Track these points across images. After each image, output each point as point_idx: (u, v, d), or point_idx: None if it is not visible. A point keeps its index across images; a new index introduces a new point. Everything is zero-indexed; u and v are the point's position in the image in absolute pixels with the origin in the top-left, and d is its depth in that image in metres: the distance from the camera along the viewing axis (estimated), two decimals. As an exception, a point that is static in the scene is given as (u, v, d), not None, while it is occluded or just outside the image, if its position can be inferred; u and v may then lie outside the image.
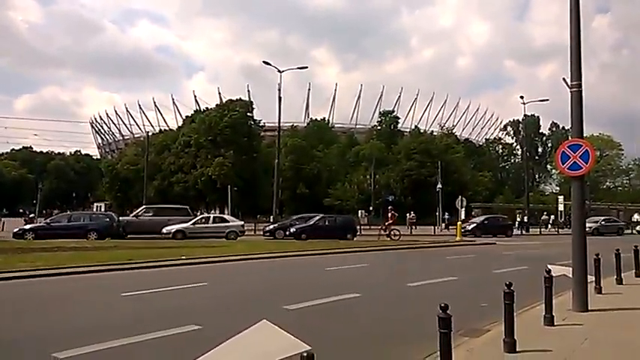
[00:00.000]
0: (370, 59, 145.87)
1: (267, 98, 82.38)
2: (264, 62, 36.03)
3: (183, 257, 16.50)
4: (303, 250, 20.30)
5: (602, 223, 39.71)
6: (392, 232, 29.19)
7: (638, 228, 44.74)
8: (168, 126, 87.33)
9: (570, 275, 9.23)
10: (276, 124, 37.68)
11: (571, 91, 9.06)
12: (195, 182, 64.31)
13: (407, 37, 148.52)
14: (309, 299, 9.49)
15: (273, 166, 38.12)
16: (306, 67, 41.31)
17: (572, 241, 9.14)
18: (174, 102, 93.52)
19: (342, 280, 13.03)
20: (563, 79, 9.17)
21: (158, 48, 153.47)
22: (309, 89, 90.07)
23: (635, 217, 51.84)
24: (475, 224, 35.80)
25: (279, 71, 35.18)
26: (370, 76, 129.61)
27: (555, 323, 7.55)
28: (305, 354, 3.24)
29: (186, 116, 76.35)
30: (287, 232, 28.63)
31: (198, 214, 39.87)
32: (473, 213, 46.02)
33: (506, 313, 6.31)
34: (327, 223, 29.47)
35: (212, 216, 33.08)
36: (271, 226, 31.26)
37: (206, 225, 28.76)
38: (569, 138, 9.70)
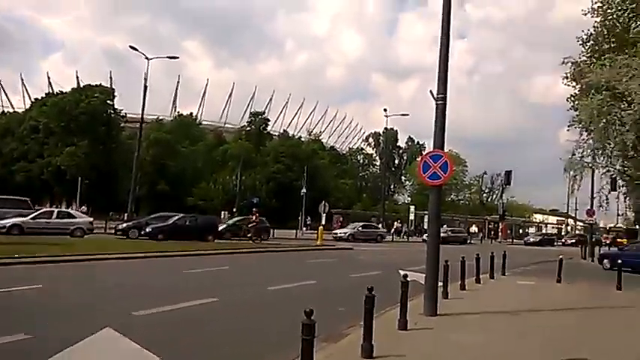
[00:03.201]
0: (244, 58, 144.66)
1: (131, 87, 77.84)
2: (130, 47, 33.55)
3: (17, 256, 14.50)
4: (158, 251, 19.06)
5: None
6: (255, 235, 28.87)
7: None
8: (13, 108, 77.84)
9: (422, 281, 9.67)
10: (140, 115, 35.28)
11: (436, 103, 9.51)
12: (40, 172, 58.00)
13: (282, 40, 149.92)
14: (162, 304, 8.75)
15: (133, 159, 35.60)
16: (177, 58, 39.19)
17: (427, 247, 9.57)
18: (23, 82, 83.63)
19: (199, 284, 12.37)
20: (430, 91, 9.61)
21: (7, 18, 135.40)
22: (178, 82, 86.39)
23: (473, 228, 57.68)
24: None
25: (146, 58, 33.00)
26: (243, 75, 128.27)
27: (408, 327, 7.76)
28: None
29: (36, 99, 68.60)
30: (142, 232, 26.71)
31: (49, 207, 35.83)
32: (341, 219, 47.87)
33: (366, 318, 6.28)
34: (187, 223, 28.13)
35: (56, 210, 29.74)
36: (124, 225, 28.98)
37: (48, 220, 25.74)
38: (423, 153, 10.17)
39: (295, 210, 49.95)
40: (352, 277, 14.90)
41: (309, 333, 4.60)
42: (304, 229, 46.19)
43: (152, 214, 32.33)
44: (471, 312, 9.67)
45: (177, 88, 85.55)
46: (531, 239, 52.27)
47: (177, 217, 28.57)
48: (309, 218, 47.93)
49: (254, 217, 29.98)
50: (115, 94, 62.60)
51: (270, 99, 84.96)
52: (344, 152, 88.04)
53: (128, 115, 63.12)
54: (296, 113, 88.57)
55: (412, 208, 54.15)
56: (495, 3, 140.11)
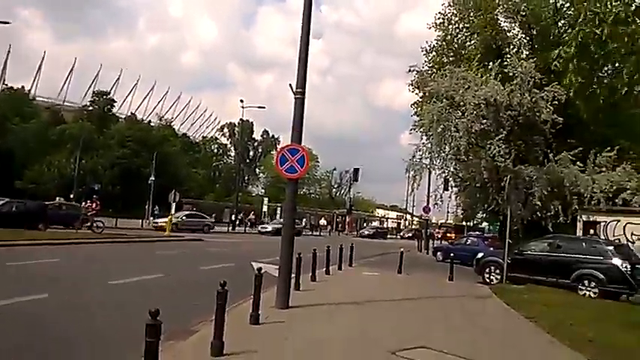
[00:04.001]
0: (90, 33, 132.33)
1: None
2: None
3: None
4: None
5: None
6: (95, 224, 26.56)
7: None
8: None
9: (275, 273, 9.63)
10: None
11: (295, 98, 9.51)
12: None
13: (134, 18, 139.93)
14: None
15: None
16: (9, 23, 34.43)
17: (282, 239, 9.55)
18: None
19: (27, 278, 10.96)
20: (290, 84, 9.57)
21: None
22: (9, 51, 76.11)
23: (322, 221, 59.83)
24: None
25: (-34, 19, 28.51)
26: (88, 52, 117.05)
27: (261, 321, 7.64)
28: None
29: None
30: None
31: None
32: (184, 208, 45.92)
33: (217, 314, 6.00)
34: (14, 210, 24.87)
35: None
36: None
37: None
38: (278, 146, 10.16)
39: (142, 198, 47.12)
40: (203, 269, 14.40)
41: (153, 335, 4.21)
42: (151, 218, 43.73)
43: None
44: (322, 303, 9.87)
45: (7, 58, 75.40)
46: (366, 232, 55.21)
47: (1, 203, 25.12)
48: (156, 208, 45.53)
49: (94, 205, 27.62)
50: None
51: (118, 79, 78.96)
52: (197, 141, 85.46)
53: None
54: (146, 96, 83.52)
55: (266, 200, 54.50)
56: (349, 7, 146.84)
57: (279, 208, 57.81)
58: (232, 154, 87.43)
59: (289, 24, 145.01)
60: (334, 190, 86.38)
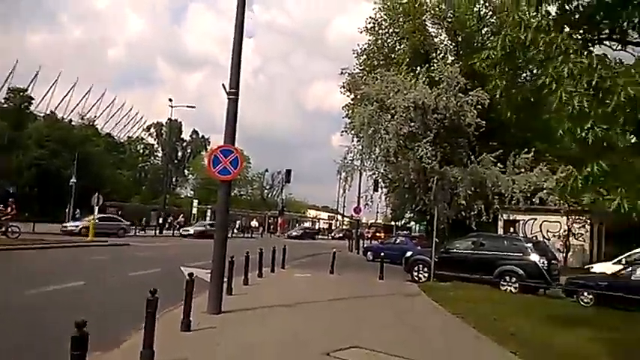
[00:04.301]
0: (4, 25, 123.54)
1: None
2: None
3: None
4: None
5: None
6: (10, 229, 24.80)
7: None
8: None
9: (206, 278, 9.42)
10: None
11: (228, 98, 9.35)
12: None
13: (55, 10, 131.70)
14: None
15: None
16: None
17: (214, 243, 9.34)
18: None
19: None
20: (223, 84, 9.40)
21: None
22: None
23: (254, 222, 59.33)
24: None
25: None
26: (3, 45, 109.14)
27: (192, 328, 7.44)
28: None
29: None
30: None
31: None
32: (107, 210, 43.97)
33: (147, 323, 5.79)
34: None
35: None
36: None
37: None
38: (208, 147, 9.99)
39: (62, 201, 44.61)
40: (132, 275, 13.85)
41: (79, 347, 3.98)
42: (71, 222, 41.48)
43: None
44: (254, 307, 9.75)
45: None
46: (294, 233, 54.41)
47: None
48: (78, 211, 43.24)
49: (9, 209, 25.80)
50: None
51: (36, 75, 74.41)
52: (122, 141, 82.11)
53: None
54: (67, 94, 79.29)
55: (195, 202, 53.28)
56: (281, 8, 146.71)
57: (209, 211, 56.71)
58: (160, 154, 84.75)
59: (220, 22, 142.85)
60: (266, 191, 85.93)
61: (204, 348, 6.72)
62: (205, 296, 9.02)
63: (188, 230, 41.09)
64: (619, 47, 8.16)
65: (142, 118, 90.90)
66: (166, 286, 8.52)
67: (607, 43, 8.82)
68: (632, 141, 6.62)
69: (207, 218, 52.98)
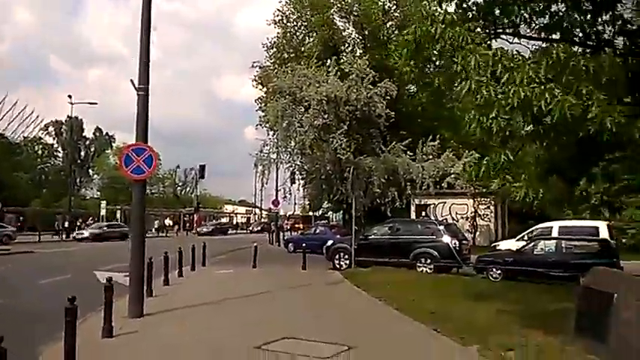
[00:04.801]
0: None
1: None
2: None
3: None
4: None
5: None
6: None
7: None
8: None
9: (124, 282, 9.08)
10: None
11: (138, 94, 9.00)
12: None
13: None
14: None
15: None
16: None
17: (131, 246, 8.99)
18: None
19: None
20: (131, 80, 9.04)
21: None
22: None
23: (168, 221, 57.50)
24: None
25: None
26: None
27: (114, 334, 7.15)
28: None
29: None
30: None
31: None
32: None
33: (67, 332, 5.53)
34: None
35: None
36: None
37: None
38: (114, 145, 9.62)
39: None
40: (43, 283, 12.98)
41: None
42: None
43: None
44: (177, 307, 9.53)
45: None
46: (204, 230, 51.94)
47: None
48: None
49: None
50: None
51: None
52: (18, 142, 76.03)
53: None
54: (-50, 92, 72.00)
55: (103, 203, 50.62)
56: (184, 1, 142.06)
57: (118, 211, 54.16)
58: (61, 154, 79.43)
59: (122, 14, 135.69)
60: (179, 188, 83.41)
61: (127, 353, 6.50)
62: (125, 300, 8.68)
63: (82, 233, 37.90)
64: (515, 40, 8.83)
65: (38, 116, 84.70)
66: (80, 293, 8.06)
67: (503, 37, 9.52)
68: (530, 130, 7.24)
69: (118, 219, 50.61)
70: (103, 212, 49.47)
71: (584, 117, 5.98)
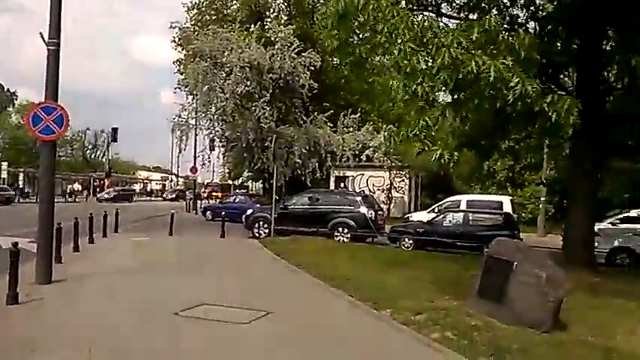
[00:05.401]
0: None
1: None
2: None
3: None
4: None
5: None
6: None
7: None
8: None
9: (30, 248, 8.64)
10: None
11: (48, 49, 8.39)
12: None
13: None
14: None
15: None
16: None
17: (39, 210, 8.49)
18: None
19: None
20: (41, 34, 8.40)
21: None
22: None
23: (76, 185, 54.46)
24: None
25: None
26: None
27: (20, 301, 6.80)
28: None
29: None
30: None
31: None
32: None
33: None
34: None
35: None
36: None
37: None
38: (16, 102, 9.02)
39: None
40: None
41: None
42: None
43: None
44: (87, 274, 9.18)
45: None
46: (105, 196, 48.68)
47: None
48: None
49: None
50: None
51: None
52: None
53: None
54: None
55: (4, 164, 46.91)
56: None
57: (21, 174, 50.56)
58: (-46, 112, 72.34)
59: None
60: (89, 152, 78.95)
61: (34, 320, 6.22)
62: (30, 267, 8.24)
63: None
64: (437, 18, 9.17)
65: None
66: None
67: (425, 13, 9.83)
68: (451, 99, 7.63)
69: (20, 182, 47.31)
70: (4, 175, 45.95)
71: (506, 84, 6.45)
